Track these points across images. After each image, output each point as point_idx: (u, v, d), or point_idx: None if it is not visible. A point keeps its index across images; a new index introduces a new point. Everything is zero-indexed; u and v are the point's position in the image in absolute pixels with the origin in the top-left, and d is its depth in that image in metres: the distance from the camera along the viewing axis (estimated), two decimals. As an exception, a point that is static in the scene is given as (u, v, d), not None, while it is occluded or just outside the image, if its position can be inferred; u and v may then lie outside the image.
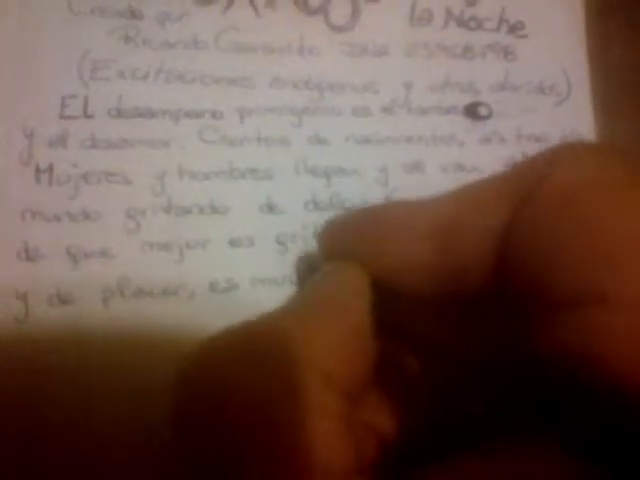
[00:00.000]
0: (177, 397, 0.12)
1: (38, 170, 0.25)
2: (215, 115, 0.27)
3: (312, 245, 0.26)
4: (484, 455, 0.12)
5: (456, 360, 0.15)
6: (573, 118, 0.30)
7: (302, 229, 0.26)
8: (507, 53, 0.30)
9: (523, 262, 0.12)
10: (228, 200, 0.26)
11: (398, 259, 0.14)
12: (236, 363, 0.12)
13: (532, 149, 0.29)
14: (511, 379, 0.14)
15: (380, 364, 0.14)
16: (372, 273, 0.15)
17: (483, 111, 0.29)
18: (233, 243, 0.26)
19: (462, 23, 0.30)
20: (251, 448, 0.11)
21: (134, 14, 0.27)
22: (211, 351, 0.13)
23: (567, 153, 0.13)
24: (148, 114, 0.26)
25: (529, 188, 0.12)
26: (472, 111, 0.29)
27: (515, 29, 0.30)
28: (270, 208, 0.26)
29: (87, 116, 0.26)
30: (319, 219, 0.26)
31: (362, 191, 0.27)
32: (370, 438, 0.13)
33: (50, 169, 0.25)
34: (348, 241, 0.16)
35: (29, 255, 0.24)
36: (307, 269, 0.25)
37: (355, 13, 0.29)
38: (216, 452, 0.11)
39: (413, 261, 0.14)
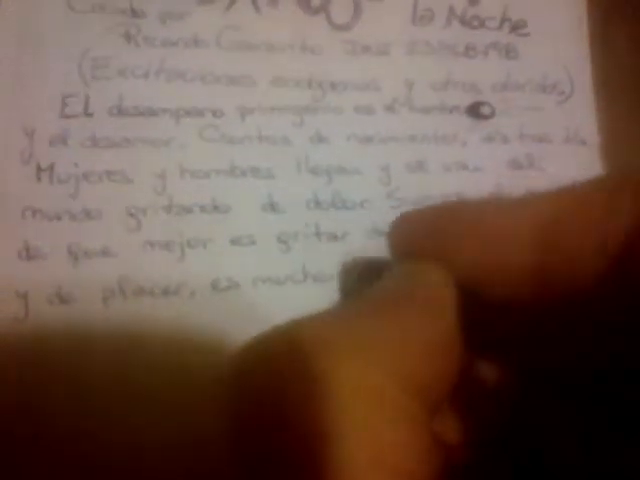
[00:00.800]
0: (243, 387, 0.11)
1: (39, 169, 0.25)
2: (216, 114, 0.27)
3: (316, 244, 0.26)
4: None
5: (543, 376, 0.14)
6: (576, 117, 0.30)
7: (304, 228, 0.26)
8: (509, 52, 0.30)
9: None
10: (229, 199, 0.26)
11: (491, 259, 0.13)
12: (312, 358, 0.11)
13: (535, 148, 0.29)
14: (609, 404, 0.13)
15: (460, 375, 0.13)
16: (456, 276, 0.13)
17: (485, 110, 0.29)
18: (234, 242, 0.25)
19: (464, 22, 0.30)
20: (320, 444, 0.10)
21: (135, 12, 0.27)
22: (285, 343, 0.12)
23: None
24: (149, 113, 0.26)
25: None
26: (474, 110, 0.29)
27: (517, 28, 0.30)
28: (271, 207, 0.26)
29: (88, 115, 0.26)
30: (320, 218, 0.26)
31: (364, 190, 0.27)
32: (438, 450, 0.12)
33: (51, 168, 0.25)
34: (429, 238, 0.14)
35: (29, 254, 0.24)
36: (344, 270, 0.25)
37: (357, 12, 0.29)
38: (282, 448, 0.11)
39: (508, 264, 0.13)
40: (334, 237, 0.26)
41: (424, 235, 0.15)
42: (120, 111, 0.26)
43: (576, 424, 0.13)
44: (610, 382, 0.13)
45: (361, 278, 0.24)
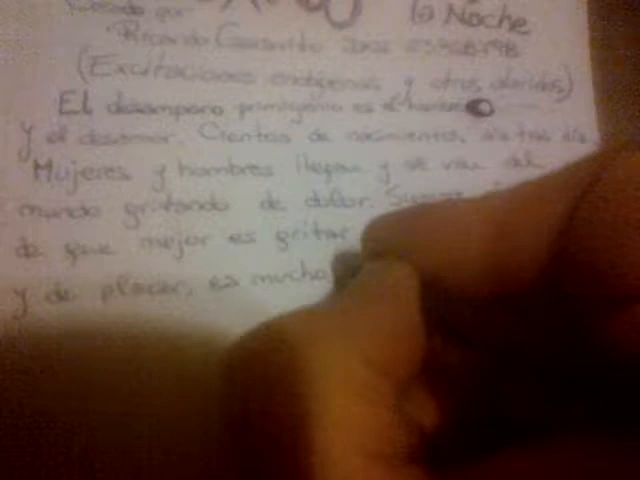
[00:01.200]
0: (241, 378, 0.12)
1: (37, 166, 0.25)
2: (215, 111, 0.26)
3: (315, 242, 0.26)
4: (533, 451, 0.11)
5: (503, 356, 0.15)
6: (575, 114, 0.30)
7: (303, 226, 0.26)
8: (509, 49, 0.30)
9: (584, 256, 0.12)
10: (228, 196, 0.26)
11: (449, 256, 0.14)
12: (294, 349, 0.12)
13: (534, 146, 0.29)
14: (559, 373, 0.14)
15: (425, 359, 0.14)
16: (420, 270, 0.14)
17: (485, 108, 0.29)
18: (233, 239, 0.25)
19: (464, 19, 0.30)
20: (302, 430, 0.11)
21: (134, 9, 0.27)
22: (268, 338, 0.13)
23: (621, 151, 0.13)
24: (148, 110, 0.26)
25: (587, 182, 0.12)
26: (474, 108, 0.29)
27: (517, 25, 0.30)
28: (270, 204, 0.26)
29: (86, 112, 0.25)
30: (320, 216, 0.26)
31: (363, 188, 0.27)
32: (412, 431, 0.13)
33: (49, 165, 0.25)
34: (396, 238, 0.16)
35: (27, 251, 0.24)
36: (343, 267, 0.25)
37: (356, 9, 0.29)
38: (274, 431, 0.11)
39: (465, 258, 0.14)
40: (333, 234, 0.26)
41: (391, 236, 0.16)
42: (119, 108, 0.26)
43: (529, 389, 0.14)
44: (556, 357, 0.14)
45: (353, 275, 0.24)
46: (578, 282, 0.12)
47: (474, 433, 0.14)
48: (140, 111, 0.26)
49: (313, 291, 0.25)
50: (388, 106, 0.28)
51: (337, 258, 0.26)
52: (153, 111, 0.26)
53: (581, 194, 0.12)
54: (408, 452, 0.12)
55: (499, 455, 0.11)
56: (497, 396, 0.15)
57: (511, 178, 0.28)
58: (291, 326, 0.13)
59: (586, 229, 0.12)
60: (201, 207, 0.25)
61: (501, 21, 0.30)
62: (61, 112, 0.25)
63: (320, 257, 0.26)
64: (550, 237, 0.12)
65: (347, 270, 0.26)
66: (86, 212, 0.24)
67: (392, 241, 0.16)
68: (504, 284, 0.13)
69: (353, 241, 0.26)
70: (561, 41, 0.30)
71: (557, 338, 0.14)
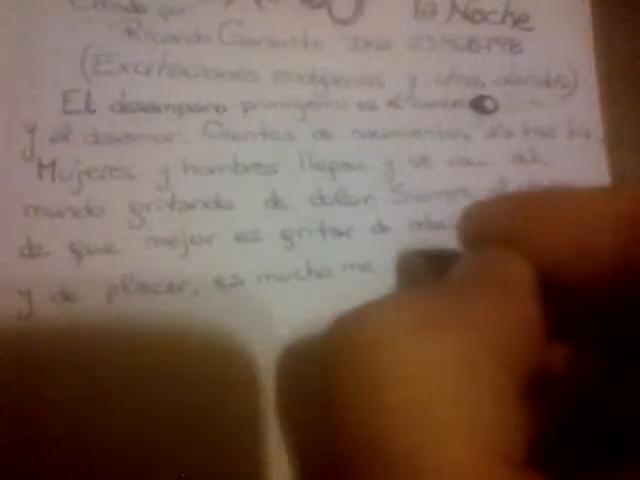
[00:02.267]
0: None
1: (41, 165, 0.24)
2: (219, 109, 0.26)
3: (321, 240, 0.26)
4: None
5: (615, 362, 0.14)
6: (580, 110, 0.29)
7: (308, 224, 0.26)
8: (512, 46, 0.30)
9: None
10: (233, 195, 0.26)
11: (576, 248, 0.13)
12: (416, 346, 0.11)
13: (539, 142, 0.29)
14: None
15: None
16: (536, 262, 0.13)
17: (489, 104, 0.29)
18: (238, 238, 0.25)
19: (467, 16, 0.30)
20: (422, 432, 0.10)
21: (136, 8, 0.26)
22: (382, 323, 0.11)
23: None
24: (151, 108, 0.26)
25: None
26: (478, 105, 0.29)
27: (520, 22, 0.30)
28: (275, 203, 0.26)
29: (90, 111, 0.25)
30: (325, 214, 0.26)
31: (368, 185, 0.27)
32: (527, 433, 0.11)
33: (53, 164, 0.25)
34: (499, 228, 0.14)
35: (32, 251, 0.24)
36: (413, 259, 0.24)
37: (359, 6, 0.29)
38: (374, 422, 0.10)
39: (594, 251, 0.13)
40: (338, 233, 0.26)
41: (496, 225, 0.14)
42: (122, 107, 0.26)
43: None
44: None
45: (425, 267, 0.23)
46: None
47: (578, 437, 0.13)
48: (144, 110, 0.26)
49: (319, 289, 0.25)
50: (392, 103, 0.28)
51: (343, 256, 0.26)
52: (157, 110, 0.26)
53: None
54: (527, 455, 0.11)
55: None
56: (603, 398, 0.14)
57: (516, 175, 0.28)
58: (401, 316, 0.11)
59: None
60: (206, 206, 0.25)
61: (504, 17, 0.30)
62: (64, 112, 0.25)
63: (325, 255, 0.26)
64: None
65: (354, 267, 0.26)
66: (90, 212, 0.24)
67: (497, 230, 0.14)
68: (634, 283, 0.12)
69: (358, 239, 0.26)
70: (565, 37, 0.30)
71: None
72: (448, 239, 0.26)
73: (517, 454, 0.11)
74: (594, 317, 0.14)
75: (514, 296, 0.12)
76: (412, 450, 0.10)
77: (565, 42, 0.30)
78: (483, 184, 0.28)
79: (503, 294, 0.12)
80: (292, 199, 0.26)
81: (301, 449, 0.12)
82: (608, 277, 0.12)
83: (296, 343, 0.13)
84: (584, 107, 0.30)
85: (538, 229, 0.13)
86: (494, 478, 0.10)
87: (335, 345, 0.12)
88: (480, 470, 0.10)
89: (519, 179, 0.28)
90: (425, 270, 0.23)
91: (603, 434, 0.13)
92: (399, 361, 0.11)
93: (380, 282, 0.26)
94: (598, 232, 0.13)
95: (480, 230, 0.15)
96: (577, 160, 0.29)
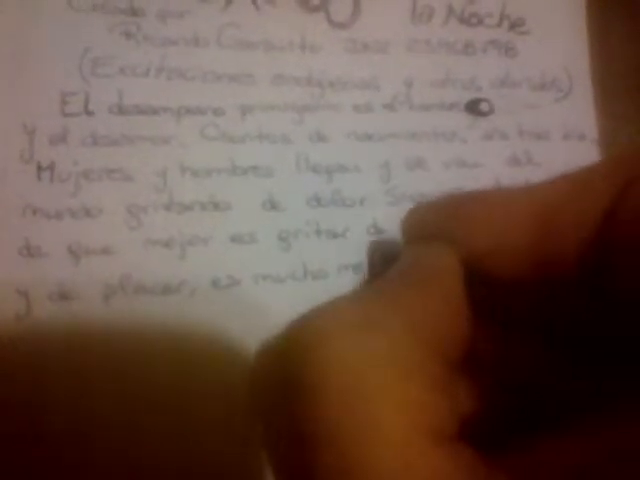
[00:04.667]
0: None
1: (39, 167, 0.25)
2: (216, 112, 0.27)
3: (317, 241, 0.26)
4: (574, 433, 0.12)
5: (540, 340, 0.15)
6: (574, 113, 0.30)
7: (304, 226, 0.26)
8: (508, 49, 0.30)
9: (633, 242, 0.12)
10: (230, 197, 0.26)
11: (492, 241, 0.14)
12: (349, 340, 0.12)
13: (534, 145, 0.29)
14: (598, 356, 0.14)
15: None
16: (462, 255, 0.14)
17: (484, 107, 0.29)
18: (235, 240, 0.25)
19: (463, 20, 0.30)
20: (360, 415, 0.11)
21: (135, 11, 0.27)
22: (323, 328, 0.12)
23: None
24: (149, 111, 0.26)
25: (635, 171, 0.12)
26: (473, 107, 0.29)
27: (516, 25, 0.30)
28: (272, 205, 0.26)
29: (88, 113, 0.26)
30: (321, 216, 0.26)
31: (364, 188, 0.27)
32: (458, 413, 0.13)
33: (51, 166, 0.25)
34: (436, 225, 0.16)
35: (30, 252, 0.24)
36: (380, 257, 0.25)
37: (356, 10, 0.29)
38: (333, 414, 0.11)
39: (509, 244, 0.14)
40: (334, 234, 0.26)
41: (433, 222, 0.16)
42: (121, 109, 0.26)
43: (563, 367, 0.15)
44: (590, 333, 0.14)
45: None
46: (623, 268, 0.12)
47: (511, 415, 0.14)
48: (141, 112, 0.26)
49: (315, 291, 0.25)
50: (388, 106, 0.28)
51: (338, 257, 0.26)
52: (155, 112, 0.26)
53: (629, 181, 0.12)
54: (458, 432, 0.12)
55: (543, 437, 0.12)
56: (535, 377, 0.15)
57: (511, 177, 0.29)
58: (330, 318, 0.12)
59: (634, 213, 0.12)
60: (203, 208, 0.26)
61: (500, 21, 0.30)
62: (63, 114, 0.25)
63: (321, 257, 0.26)
64: (596, 223, 0.13)
65: (349, 268, 0.26)
66: (88, 213, 0.25)
67: (434, 227, 0.16)
68: (546, 271, 0.14)
69: (354, 240, 0.26)
70: (560, 41, 0.30)
71: (594, 320, 0.14)
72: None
73: (447, 429, 0.12)
74: (522, 304, 0.15)
75: (437, 285, 0.14)
76: (349, 432, 0.11)
77: (560, 46, 0.30)
78: (478, 186, 0.28)
79: (426, 284, 0.14)
80: (289, 201, 0.26)
81: None
82: (528, 267, 0.14)
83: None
84: (579, 110, 0.30)
85: (463, 227, 0.15)
86: (424, 451, 0.11)
87: (283, 345, 0.12)
88: (411, 445, 0.11)
89: (514, 181, 0.28)
90: None
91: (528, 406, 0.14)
92: (334, 357, 0.11)
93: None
94: (513, 229, 0.14)
95: (416, 230, 0.17)
96: (572, 162, 0.29)
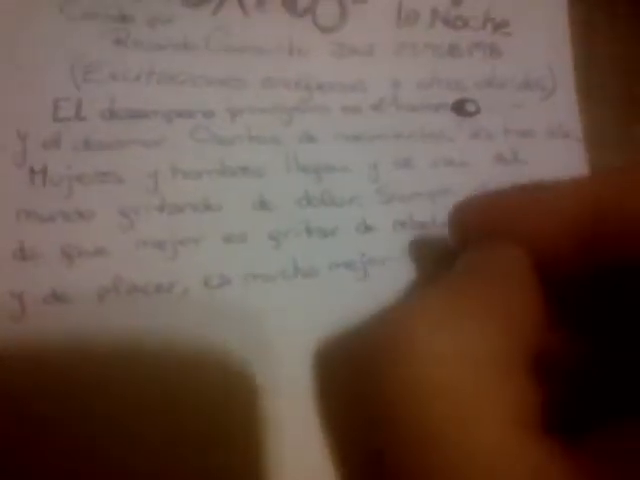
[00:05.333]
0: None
1: (32, 171, 0.25)
2: (206, 115, 0.27)
3: (307, 241, 0.26)
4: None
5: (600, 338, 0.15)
6: (559, 112, 0.30)
7: (294, 225, 0.26)
8: (493, 50, 0.31)
9: None
10: (221, 198, 0.26)
11: (546, 238, 0.14)
12: (442, 335, 0.12)
13: (519, 143, 0.30)
14: None
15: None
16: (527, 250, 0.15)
17: (471, 107, 0.30)
18: (226, 240, 0.26)
19: (448, 22, 0.31)
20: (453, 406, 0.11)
21: (125, 18, 0.27)
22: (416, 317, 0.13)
23: None
24: (140, 115, 0.26)
25: None
26: (460, 107, 0.30)
27: (500, 27, 0.31)
28: (262, 205, 0.27)
29: (80, 118, 0.26)
30: (311, 215, 0.27)
31: (353, 187, 0.28)
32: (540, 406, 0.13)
33: (44, 170, 0.25)
34: (490, 221, 0.16)
35: (24, 255, 0.24)
36: (414, 254, 0.25)
37: (342, 14, 0.30)
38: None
39: (561, 239, 0.14)
40: (324, 234, 0.27)
41: (484, 219, 0.16)
42: (112, 114, 0.26)
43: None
44: None
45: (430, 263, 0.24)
46: None
47: (580, 405, 0.14)
48: (133, 117, 0.26)
49: (305, 289, 0.26)
50: (376, 107, 0.29)
51: (329, 256, 0.26)
52: (145, 116, 0.27)
53: None
54: (544, 424, 0.12)
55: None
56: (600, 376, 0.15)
57: (498, 175, 0.29)
58: (421, 314, 0.13)
59: None
60: (194, 209, 0.26)
61: (485, 23, 0.31)
62: (55, 119, 0.26)
63: (312, 256, 0.26)
64: None
65: (339, 267, 0.26)
66: (81, 216, 0.25)
67: (491, 221, 0.16)
68: (597, 265, 0.14)
69: (344, 239, 0.27)
70: (543, 41, 0.31)
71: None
72: (432, 238, 0.27)
73: (538, 421, 0.12)
74: (586, 301, 0.15)
75: (517, 283, 0.14)
76: (449, 433, 0.11)
77: (544, 46, 0.31)
78: (466, 184, 0.28)
79: (508, 283, 0.14)
80: (279, 201, 0.27)
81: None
82: (589, 256, 0.14)
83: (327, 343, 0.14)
84: (563, 108, 0.30)
85: (524, 219, 0.15)
86: (523, 445, 0.11)
87: (375, 345, 0.12)
88: (509, 440, 0.11)
89: (500, 179, 0.29)
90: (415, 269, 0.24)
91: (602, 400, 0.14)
92: (428, 354, 0.12)
93: (365, 281, 0.26)
94: (564, 224, 0.14)
95: (467, 229, 0.17)
96: (557, 159, 0.30)
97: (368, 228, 0.27)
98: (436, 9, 0.31)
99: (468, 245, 0.16)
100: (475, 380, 0.11)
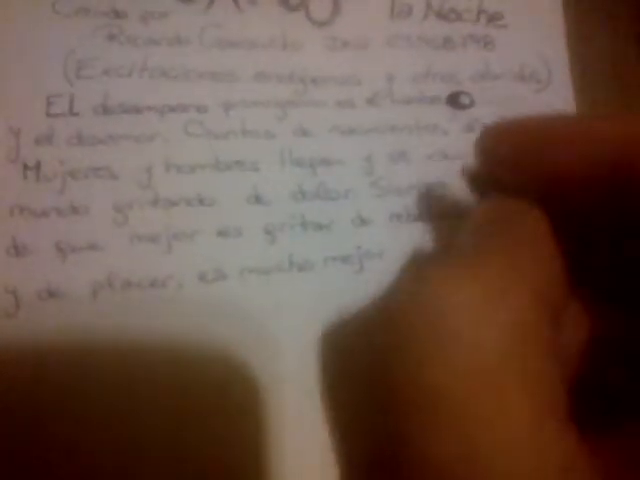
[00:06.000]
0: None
1: (25, 167, 0.25)
2: (200, 109, 0.27)
3: (302, 234, 0.26)
4: None
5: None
6: (554, 104, 0.30)
7: (289, 219, 0.26)
8: (487, 43, 0.31)
9: None
10: (215, 192, 0.26)
11: (577, 169, 0.14)
12: (469, 299, 0.11)
13: (514, 135, 0.29)
14: None
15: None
16: (546, 185, 0.14)
17: (465, 100, 0.30)
18: (221, 234, 0.26)
19: (441, 15, 0.31)
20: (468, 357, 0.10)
21: (117, 13, 0.27)
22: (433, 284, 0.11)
23: None
24: (133, 110, 0.26)
25: None
26: (454, 100, 0.30)
27: (494, 19, 0.31)
28: (257, 199, 0.26)
29: (73, 114, 0.26)
30: (306, 209, 0.27)
31: (348, 180, 0.27)
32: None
33: (37, 166, 0.25)
34: (520, 151, 0.15)
35: (18, 250, 0.24)
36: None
37: (336, 8, 0.30)
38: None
39: (592, 170, 0.13)
40: (319, 227, 0.27)
41: (513, 147, 0.15)
42: (105, 109, 0.26)
43: None
44: None
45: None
46: None
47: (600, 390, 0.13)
48: (126, 112, 0.26)
49: (301, 282, 0.26)
50: (370, 101, 0.29)
51: (324, 250, 0.26)
52: (139, 111, 0.26)
53: None
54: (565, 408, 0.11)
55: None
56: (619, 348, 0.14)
57: (493, 167, 0.29)
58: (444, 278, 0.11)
59: None
60: (188, 203, 0.26)
61: (478, 15, 0.31)
62: (48, 114, 0.26)
63: (307, 249, 0.26)
64: None
65: (335, 260, 0.26)
66: (75, 211, 0.25)
67: (516, 153, 0.15)
68: (630, 204, 0.13)
69: (339, 232, 0.27)
70: (538, 33, 0.31)
71: None
72: (426, 231, 0.27)
73: (564, 405, 0.11)
74: (604, 267, 0.14)
75: (543, 249, 0.13)
76: (475, 415, 0.10)
77: (538, 38, 0.31)
78: (460, 177, 0.28)
79: (535, 249, 0.13)
80: (273, 195, 0.27)
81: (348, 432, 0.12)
82: (608, 192, 0.13)
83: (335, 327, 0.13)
84: (558, 101, 0.30)
85: (552, 147, 0.14)
86: (554, 435, 0.10)
87: (404, 311, 0.11)
88: (550, 434, 0.10)
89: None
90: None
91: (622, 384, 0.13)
92: (466, 327, 0.11)
93: (361, 274, 0.26)
94: (596, 154, 0.14)
95: (494, 154, 0.16)
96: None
97: (363, 221, 0.27)
98: (429, 2, 0.31)
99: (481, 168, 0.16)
100: (499, 355, 0.10)
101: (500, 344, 0.10)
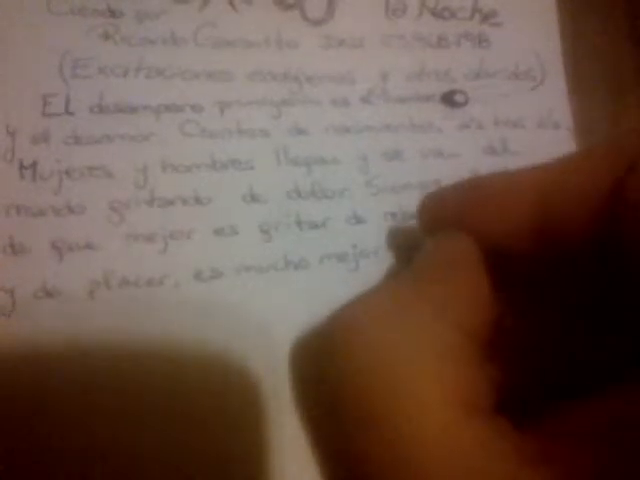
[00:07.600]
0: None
1: (22, 166, 0.25)
2: (195, 109, 0.27)
3: (297, 232, 0.26)
4: (595, 401, 0.12)
5: (554, 315, 0.16)
6: (548, 102, 0.30)
7: (285, 217, 0.27)
8: (481, 41, 0.31)
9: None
10: (211, 191, 0.26)
11: (502, 224, 0.15)
12: (383, 327, 0.13)
13: (509, 133, 0.30)
14: (606, 327, 0.14)
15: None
16: (478, 239, 0.15)
17: (460, 98, 0.30)
18: (217, 233, 0.26)
19: (436, 13, 0.31)
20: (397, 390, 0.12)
21: (113, 13, 0.27)
22: (362, 319, 0.13)
23: None
24: (129, 109, 0.27)
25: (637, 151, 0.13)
26: (449, 99, 0.30)
27: (488, 18, 0.31)
28: (252, 198, 0.27)
29: (69, 113, 0.26)
30: (301, 207, 0.27)
31: (343, 179, 0.28)
32: (492, 388, 0.13)
33: (34, 165, 0.25)
34: (451, 212, 0.16)
35: (15, 250, 0.24)
36: (405, 245, 0.25)
37: (330, 6, 0.30)
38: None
39: (514, 222, 0.15)
40: (315, 225, 0.27)
41: (446, 209, 0.17)
42: (101, 108, 0.26)
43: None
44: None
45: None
46: (629, 242, 0.12)
47: (543, 386, 0.14)
48: (121, 111, 0.26)
49: (296, 280, 0.26)
50: (365, 99, 0.29)
51: (319, 248, 0.26)
52: (134, 111, 0.27)
53: (633, 158, 0.13)
54: (493, 406, 0.13)
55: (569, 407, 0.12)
56: (559, 348, 0.15)
57: (488, 165, 0.29)
58: (363, 308, 0.13)
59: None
60: (184, 202, 0.26)
61: (473, 14, 0.31)
62: (44, 114, 0.26)
63: (302, 247, 0.26)
64: (599, 201, 0.13)
65: (330, 258, 0.26)
66: (71, 210, 0.25)
67: (448, 214, 0.16)
68: (553, 245, 0.14)
69: (335, 231, 0.27)
70: (532, 31, 0.31)
71: (597, 294, 0.14)
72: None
73: (483, 402, 0.12)
74: (541, 279, 0.15)
75: (461, 269, 0.14)
76: (392, 414, 0.11)
77: (532, 36, 0.31)
78: (455, 175, 0.28)
79: (451, 268, 0.14)
80: (269, 194, 0.27)
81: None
82: (535, 243, 0.14)
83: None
84: (553, 98, 0.30)
85: (473, 212, 0.15)
86: (459, 421, 0.11)
87: (324, 337, 0.13)
88: (446, 414, 0.11)
89: (490, 170, 0.29)
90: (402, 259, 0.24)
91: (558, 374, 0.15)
92: (370, 343, 0.12)
93: (356, 272, 0.26)
94: (518, 210, 0.15)
95: (435, 218, 0.17)
96: (547, 150, 0.29)
97: (359, 220, 0.27)
98: (424, 0, 0.31)
99: (428, 236, 0.17)
100: (411, 363, 0.12)
101: (412, 354, 0.12)
